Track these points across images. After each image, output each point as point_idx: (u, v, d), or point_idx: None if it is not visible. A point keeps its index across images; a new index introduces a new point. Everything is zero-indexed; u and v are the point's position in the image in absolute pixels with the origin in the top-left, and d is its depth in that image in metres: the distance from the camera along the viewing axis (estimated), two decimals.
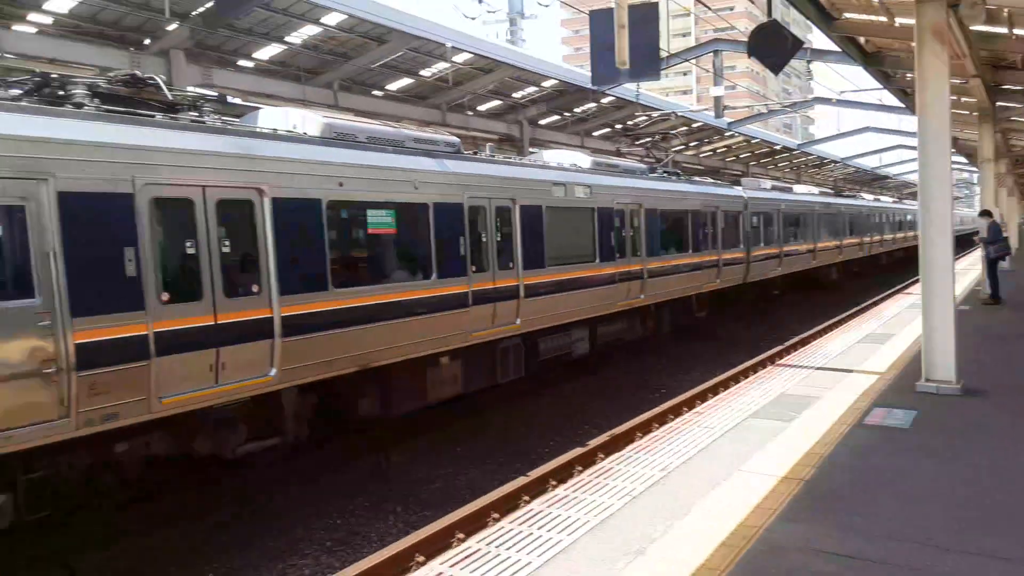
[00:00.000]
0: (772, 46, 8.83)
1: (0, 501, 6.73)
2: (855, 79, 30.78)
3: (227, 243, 8.11)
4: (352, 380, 9.88)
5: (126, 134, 7.37)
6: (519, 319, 12.43)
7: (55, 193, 6.68)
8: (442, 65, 18.51)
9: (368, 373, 9.98)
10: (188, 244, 7.79)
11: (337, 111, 18.46)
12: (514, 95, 22.63)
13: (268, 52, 16.19)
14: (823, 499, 6.41)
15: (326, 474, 10.02)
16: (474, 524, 7.95)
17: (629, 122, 28.34)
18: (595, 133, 28.59)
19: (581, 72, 23.57)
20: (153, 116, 8.00)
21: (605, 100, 23.58)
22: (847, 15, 13.23)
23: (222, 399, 8.14)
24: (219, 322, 7.95)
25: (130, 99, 8.04)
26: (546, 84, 21.71)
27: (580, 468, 9.60)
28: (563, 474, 9.45)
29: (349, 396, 10.17)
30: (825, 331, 19.79)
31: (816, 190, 32.71)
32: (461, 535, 7.58)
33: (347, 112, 18.88)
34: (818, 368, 12.58)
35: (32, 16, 13.17)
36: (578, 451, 10.16)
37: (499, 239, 12.00)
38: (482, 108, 23.11)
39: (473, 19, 28.14)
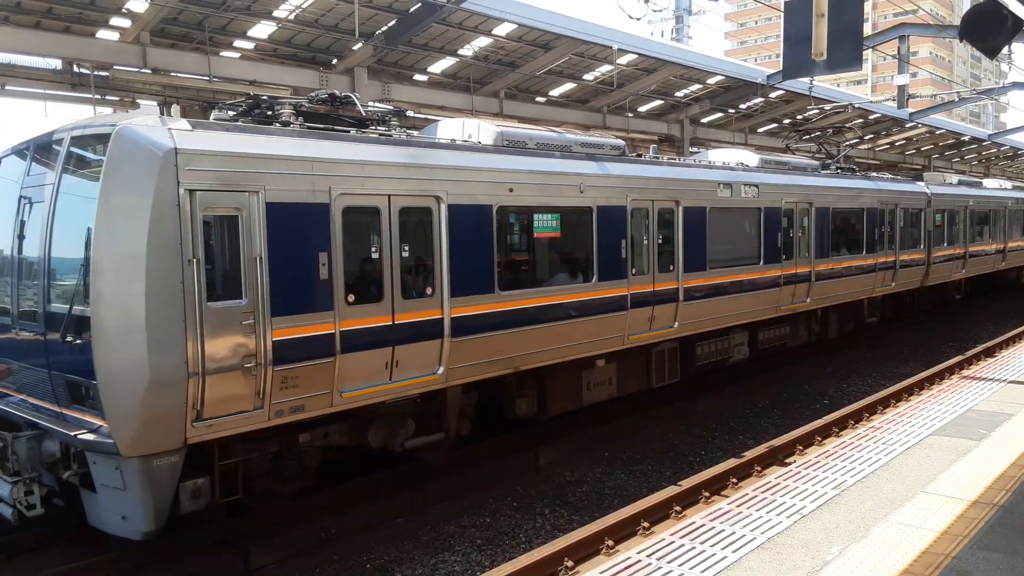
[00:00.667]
0: (989, 28, 8.27)
1: (199, 483, 7.36)
2: None
3: (406, 248, 8.57)
4: (511, 380, 10.31)
5: (325, 148, 8.01)
6: (677, 322, 12.32)
7: (264, 204, 7.34)
8: (605, 68, 18.63)
9: (526, 374, 10.29)
10: (373, 249, 8.32)
11: (506, 118, 19.07)
12: (676, 94, 22.35)
13: (441, 65, 16.98)
14: (1022, 527, 6.04)
15: (477, 471, 10.33)
16: (623, 531, 8.02)
17: (799, 116, 27.19)
18: (760, 129, 27.69)
19: (748, 66, 22.97)
20: (347, 131, 8.64)
21: (774, 95, 22.79)
22: None
23: (394, 395, 8.64)
24: (396, 322, 8.41)
25: (328, 116, 8.72)
26: (711, 81, 21.30)
27: (735, 480, 9.47)
28: (716, 485, 9.34)
29: (508, 396, 10.57)
30: (1014, 340, 18.23)
31: (1009, 184, 30.20)
32: (610, 542, 7.66)
33: (512, 119, 19.49)
34: (1010, 382, 11.71)
35: (237, 42, 14.59)
36: (733, 462, 9.97)
37: (660, 241, 11.98)
38: (642, 109, 23.00)
39: (638, 20, 27.91)
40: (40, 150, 7.86)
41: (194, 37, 13.85)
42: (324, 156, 7.90)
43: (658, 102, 22.68)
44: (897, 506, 6.68)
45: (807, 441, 11.06)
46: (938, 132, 32.22)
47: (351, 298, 8.01)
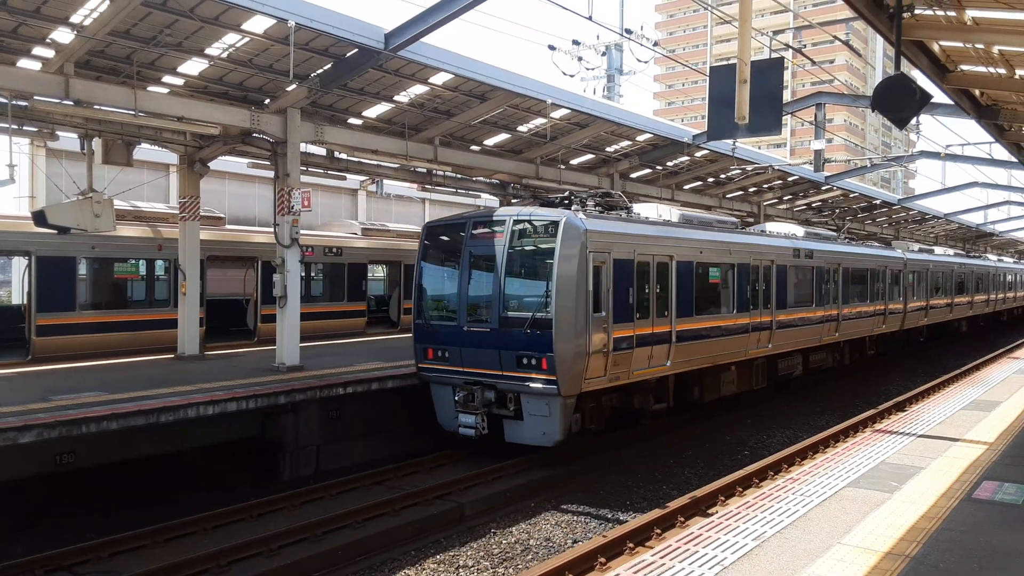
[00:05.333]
0: (899, 100, 8.74)
1: (577, 416, 12.59)
2: (962, 131, 30.20)
3: (658, 286, 14.16)
4: (691, 375, 15.59)
5: (632, 228, 13.93)
6: (771, 344, 18.18)
7: (612, 260, 12.83)
8: (539, 120, 18.96)
9: (694, 372, 15.57)
10: (645, 286, 13.81)
11: (440, 165, 19.17)
12: (607, 149, 22.90)
13: (376, 110, 16.95)
14: None
15: (399, 520, 10.27)
16: None
17: (723, 175, 28.18)
18: (686, 186, 28.53)
19: (675, 126, 23.74)
20: (634, 215, 14.90)
21: (699, 154, 23.57)
22: (963, 67, 12.96)
23: (649, 376, 14.08)
24: (654, 331, 13.94)
25: (603, 204, 14.34)
26: (640, 138, 21.89)
27: (659, 531, 9.54)
28: (641, 536, 9.40)
29: (687, 386, 15.80)
30: (923, 396, 19.03)
31: (951, 251, 37.16)
32: None
33: (446, 166, 19.63)
34: (920, 436, 12.14)
35: (166, 78, 14.30)
36: (657, 513, 10.08)
37: (763, 287, 17.70)
38: (575, 162, 23.46)
39: (572, 76, 28.68)
40: (480, 224, 13.15)
41: (121, 71, 13.52)
42: (631, 232, 13.78)
43: (589, 156, 23.18)
44: (814, 557, 6.78)
45: (728, 492, 11.20)
46: (852, 195, 33.80)
47: (638, 315, 13.47)
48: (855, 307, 22.90)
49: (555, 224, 12.19)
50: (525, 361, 12.10)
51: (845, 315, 22.07)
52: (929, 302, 30.13)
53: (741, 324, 16.74)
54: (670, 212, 16.00)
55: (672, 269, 14.42)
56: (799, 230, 21.22)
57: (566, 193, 14.09)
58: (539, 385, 11.97)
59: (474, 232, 13.12)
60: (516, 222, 12.61)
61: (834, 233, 23.90)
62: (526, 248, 12.57)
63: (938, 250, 34.51)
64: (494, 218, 13.00)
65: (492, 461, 12.64)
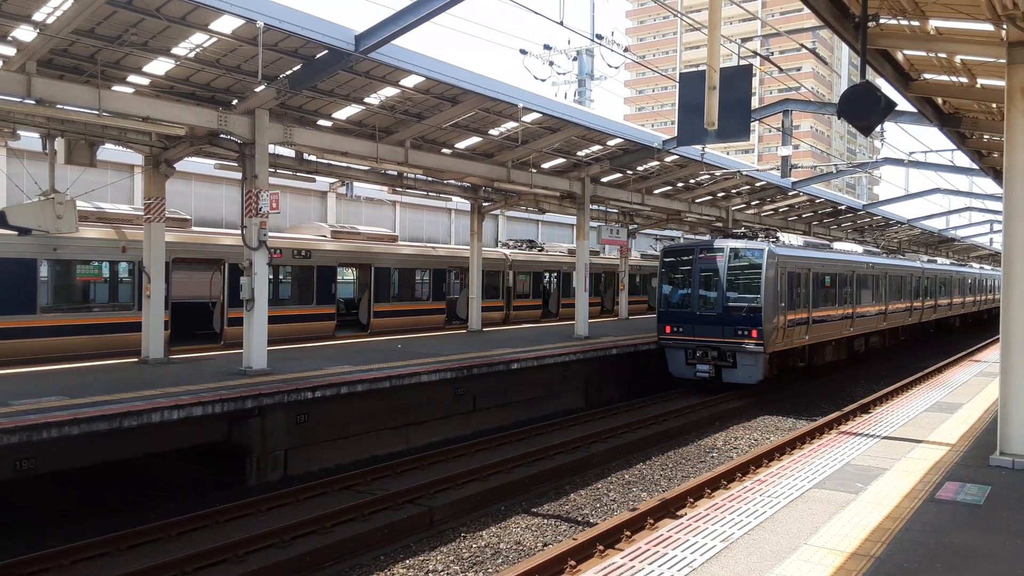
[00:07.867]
0: (864, 107, 8.87)
1: (769, 367, 20.42)
2: (924, 138, 31.11)
3: (803, 288, 21.79)
4: (814, 346, 23.25)
5: (790, 250, 21.83)
6: (852, 328, 26.14)
7: (787, 272, 20.54)
8: (511, 124, 18.96)
9: (815, 345, 23.26)
10: (798, 288, 21.34)
11: (411, 167, 19.06)
12: (578, 153, 22.98)
13: (347, 112, 16.82)
14: None
15: (367, 525, 10.25)
16: None
17: (692, 180, 28.43)
18: (656, 191, 28.74)
19: (645, 131, 23.89)
20: (782, 242, 22.72)
21: (669, 159, 23.75)
22: (926, 76, 13.20)
23: (798, 345, 21.99)
24: (800, 317, 21.54)
25: (756, 234, 22.15)
26: (610, 143, 22.00)
27: (629, 533, 9.56)
28: (611, 539, 9.42)
29: (812, 354, 23.62)
30: (887, 398, 19.36)
31: (947, 260, 47.55)
32: None
33: (417, 168, 19.57)
34: (884, 437, 12.31)
35: (131, 77, 14.06)
36: (627, 515, 10.11)
37: (849, 290, 25.53)
38: (546, 165, 23.50)
39: (543, 80, 28.77)
40: (705, 250, 20.90)
41: (85, 70, 13.27)
42: (792, 254, 21.46)
43: (561, 160, 23.24)
44: (782, 558, 6.84)
45: (697, 493, 11.28)
46: (818, 201, 34.26)
47: (795, 306, 20.97)
48: (894, 304, 31.12)
49: (761, 251, 20.16)
50: (740, 332, 19.77)
51: (890, 310, 30.50)
52: (937, 301, 38.92)
53: (839, 314, 24.73)
54: (796, 238, 24.55)
55: (810, 277, 22.12)
56: (859, 248, 31.22)
57: (742, 229, 22.99)
58: (751, 346, 19.67)
59: (701, 255, 20.93)
60: (732, 249, 20.54)
61: (878, 250, 34.64)
62: (741, 264, 20.38)
63: (940, 260, 44.86)
64: (715, 247, 20.82)
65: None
